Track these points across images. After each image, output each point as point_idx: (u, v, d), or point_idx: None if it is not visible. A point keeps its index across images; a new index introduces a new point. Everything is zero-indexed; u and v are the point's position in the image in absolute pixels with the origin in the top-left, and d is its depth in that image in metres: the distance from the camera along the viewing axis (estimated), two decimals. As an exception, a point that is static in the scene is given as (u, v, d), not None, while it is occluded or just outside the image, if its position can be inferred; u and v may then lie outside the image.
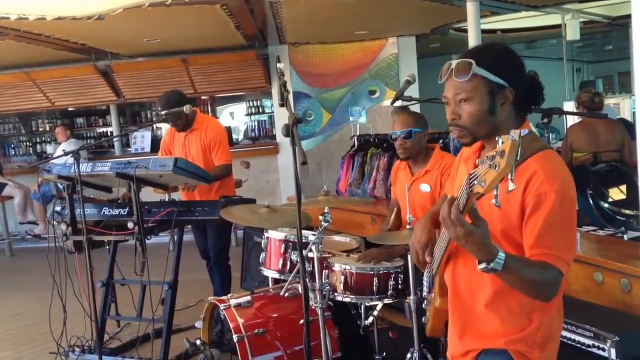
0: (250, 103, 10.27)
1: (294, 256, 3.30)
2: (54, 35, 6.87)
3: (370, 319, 3.26)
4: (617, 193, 4.39)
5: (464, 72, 1.67)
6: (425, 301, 2.13)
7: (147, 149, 9.19)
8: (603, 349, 2.36)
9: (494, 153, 1.33)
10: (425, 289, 2.09)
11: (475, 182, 1.40)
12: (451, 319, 1.86)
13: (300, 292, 3.17)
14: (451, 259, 1.82)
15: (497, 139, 1.35)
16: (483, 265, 1.49)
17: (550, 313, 1.72)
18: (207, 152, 4.45)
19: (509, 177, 1.33)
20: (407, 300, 3.02)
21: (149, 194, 4.96)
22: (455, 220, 1.46)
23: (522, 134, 1.34)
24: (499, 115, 1.68)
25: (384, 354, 3.36)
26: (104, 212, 4.08)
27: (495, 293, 1.70)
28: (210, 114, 9.84)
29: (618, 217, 4.22)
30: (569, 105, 7.24)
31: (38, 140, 10.43)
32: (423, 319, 2.15)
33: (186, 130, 4.48)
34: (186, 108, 4.26)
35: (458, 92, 1.70)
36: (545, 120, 3.03)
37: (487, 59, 1.68)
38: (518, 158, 1.33)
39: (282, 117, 8.80)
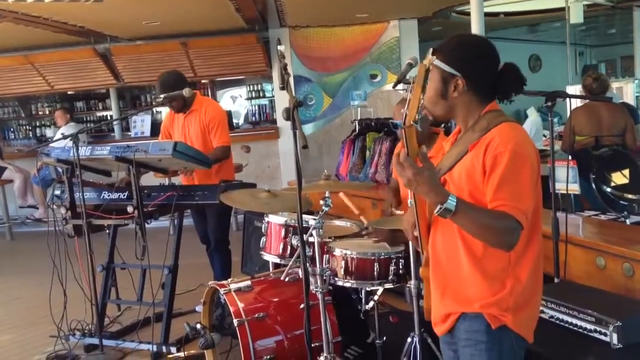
0: (251, 87, 10.22)
1: (295, 241, 3.29)
2: (52, 17, 6.81)
3: (371, 303, 3.25)
4: (619, 177, 4.37)
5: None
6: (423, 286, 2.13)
7: (147, 132, 9.15)
8: (605, 334, 2.35)
9: (410, 79, 1.58)
10: None
11: (403, 114, 1.66)
12: (433, 285, 1.97)
13: (300, 276, 3.16)
14: (432, 229, 1.95)
15: None
16: (437, 207, 1.68)
17: (522, 279, 1.82)
18: (205, 134, 4.41)
19: (421, 96, 1.62)
20: (407, 285, 3.01)
21: (149, 178, 4.95)
22: (403, 160, 1.66)
23: (432, 62, 1.69)
24: (451, 99, 1.88)
25: (385, 338, 3.36)
26: (103, 196, 4.07)
27: (470, 259, 1.83)
28: (210, 97, 9.78)
29: (621, 201, 4.20)
30: (572, 89, 7.19)
31: (37, 124, 10.40)
32: (420, 302, 2.16)
33: (184, 112, 4.45)
34: (185, 91, 4.22)
35: None
36: (549, 103, 3.00)
37: (444, 50, 1.87)
38: (428, 82, 1.65)
39: (282, 102, 8.76)
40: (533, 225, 1.82)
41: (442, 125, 4.70)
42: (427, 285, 2.00)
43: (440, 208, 1.67)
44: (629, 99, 8.02)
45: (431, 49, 1.86)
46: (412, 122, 1.65)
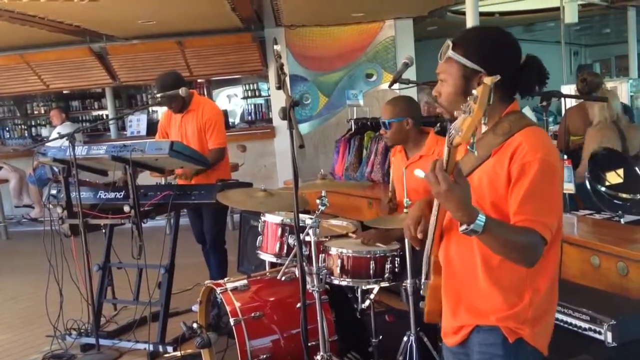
0: (247, 86, 10.22)
1: (291, 240, 3.29)
2: (48, 16, 6.80)
3: (367, 302, 3.26)
4: (614, 177, 4.38)
5: (443, 54, 1.77)
6: (423, 287, 2.11)
7: (143, 132, 9.15)
8: (599, 333, 2.37)
9: (469, 99, 1.39)
10: (424, 275, 2.07)
11: (453, 132, 1.45)
12: (444, 295, 1.89)
13: (297, 275, 3.17)
14: (444, 236, 1.86)
15: (472, 91, 1.42)
16: (464, 226, 1.54)
17: (541, 291, 1.74)
18: (202, 134, 4.42)
19: (483, 120, 1.41)
20: (403, 284, 3.02)
21: (145, 178, 4.94)
22: (437, 173, 1.52)
23: (494, 80, 1.43)
24: None
25: (381, 337, 3.37)
26: (100, 196, 4.07)
27: (486, 269, 1.73)
28: (206, 97, 9.78)
29: (615, 200, 4.21)
30: (567, 89, 7.21)
31: (33, 124, 10.40)
32: (420, 304, 2.14)
33: (183, 112, 4.46)
34: (182, 91, 4.22)
35: (439, 72, 1.80)
36: (544, 103, 3.01)
37: (465, 44, 1.75)
38: (491, 102, 1.41)
39: (278, 101, 8.76)
40: (554, 234, 1.71)
41: (438, 125, 4.72)
42: (432, 292, 1.94)
43: (467, 228, 1.54)
44: (624, 98, 8.05)
45: (450, 42, 1.75)
46: (468, 147, 1.47)
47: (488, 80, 1.43)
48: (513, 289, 1.72)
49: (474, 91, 1.41)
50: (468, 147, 1.45)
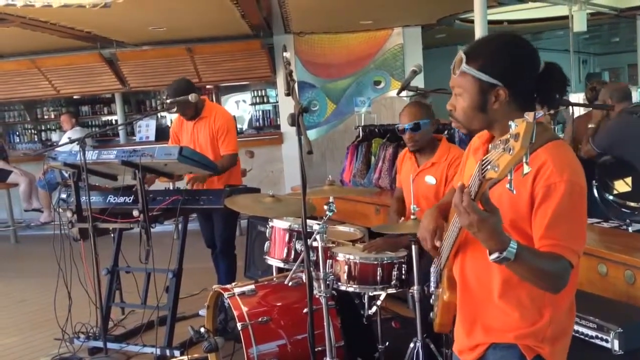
0: (255, 93, 10.26)
1: (299, 245, 3.30)
2: (59, 22, 6.87)
3: (374, 308, 3.27)
4: (622, 185, 4.37)
5: (457, 68, 1.67)
6: (432, 296, 2.11)
7: (152, 137, 9.20)
8: (606, 340, 2.37)
9: (508, 136, 1.29)
10: (432, 283, 2.08)
11: (489, 167, 1.36)
12: (459, 313, 1.84)
13: (304, 281, 3.18)
14: (460, 252, 1.79)
15: (509, 123, 1.31)
16: (495, 255, 1.47)
17: (562, 309, 1.69)
18: (215, 141, 4.46)
19: (524, 160, 1.29)
20: (410, 291, 3.03)
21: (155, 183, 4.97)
22: (467, 207, 1.44)
23: (537, 116, 1.30)
24: (491, 112, 1.66)
25: (387, 343, 3.37)
26: (109, 200, 4.10)
27: (505, 286, 1.67)
28: (215, 103, 9.84)
29: (623, 209, 4.20)
30: (575, 97, 7.20)
31: (43, 128, 10.47)
32: (431, 314, 2.13)
33: (195, 119, 4.49)
34: (192, 97, 4.25)
35: (453, 86, 1.71)
36: (552, 111, 3.02)
37: (480, 56, 1.65)
38: (533, 141, 1.28)
39: (286, 107, 8.80)
40: None
41: (446, 132, 4.73)
42: (445, 306, 1.91)
43: (499, 257, 1.46)
44: (633, 107, 8.01)
45: (462, 53, 1.66)
46: (506, 186, 1.35)
47: (529, 116, 1.29)
48: (533, 306, 1.67)
49: (512, 124, 1.29)
50: (507, 186, 1.35)
